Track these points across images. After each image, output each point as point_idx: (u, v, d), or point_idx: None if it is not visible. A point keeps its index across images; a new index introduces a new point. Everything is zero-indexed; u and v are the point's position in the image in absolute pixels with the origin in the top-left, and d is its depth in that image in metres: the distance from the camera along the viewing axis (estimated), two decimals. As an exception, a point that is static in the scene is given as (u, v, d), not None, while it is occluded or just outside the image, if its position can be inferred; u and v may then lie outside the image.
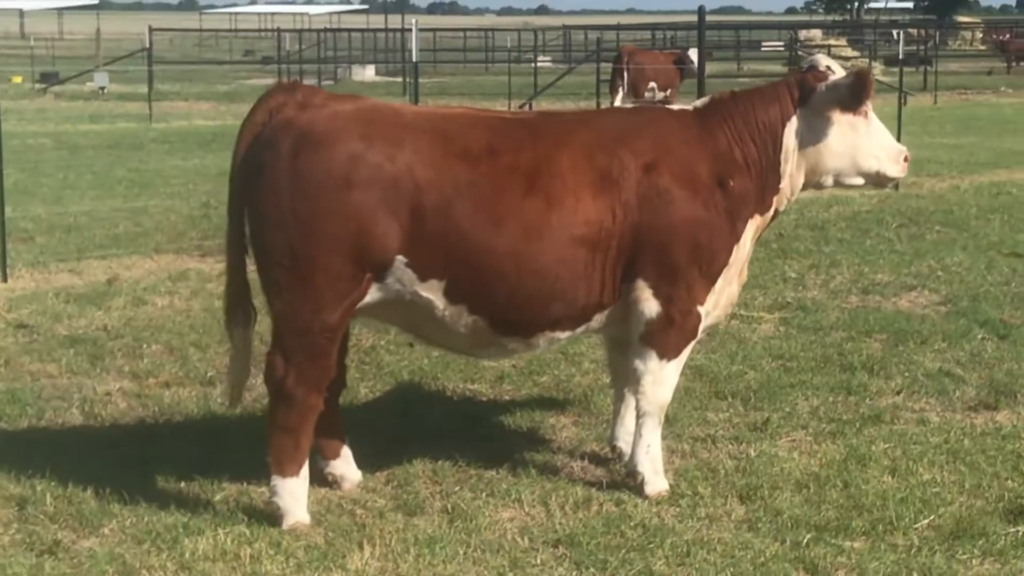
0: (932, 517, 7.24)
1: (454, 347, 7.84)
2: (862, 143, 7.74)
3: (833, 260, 14.40)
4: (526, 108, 41.06)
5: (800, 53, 55.23)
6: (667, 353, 7.64)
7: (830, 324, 11.53)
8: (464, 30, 79.68)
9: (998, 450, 8.31)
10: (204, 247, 15.53)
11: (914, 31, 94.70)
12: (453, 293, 7.31)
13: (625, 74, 33.41)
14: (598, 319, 7.65)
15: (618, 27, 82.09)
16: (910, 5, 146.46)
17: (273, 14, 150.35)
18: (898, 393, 9.59)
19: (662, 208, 7.45)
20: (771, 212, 7.84)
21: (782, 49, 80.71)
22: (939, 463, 8.09)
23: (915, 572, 6.62)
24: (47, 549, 6.99)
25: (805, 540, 6.95)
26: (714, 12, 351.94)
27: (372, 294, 7.26)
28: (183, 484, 7.86)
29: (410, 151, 7.17)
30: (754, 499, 7.59)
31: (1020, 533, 7.07)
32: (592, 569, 6.71)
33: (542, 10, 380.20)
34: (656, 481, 7.72)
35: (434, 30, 73.17)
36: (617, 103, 33.41)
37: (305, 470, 7.34)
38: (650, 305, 7.53)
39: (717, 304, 7.80)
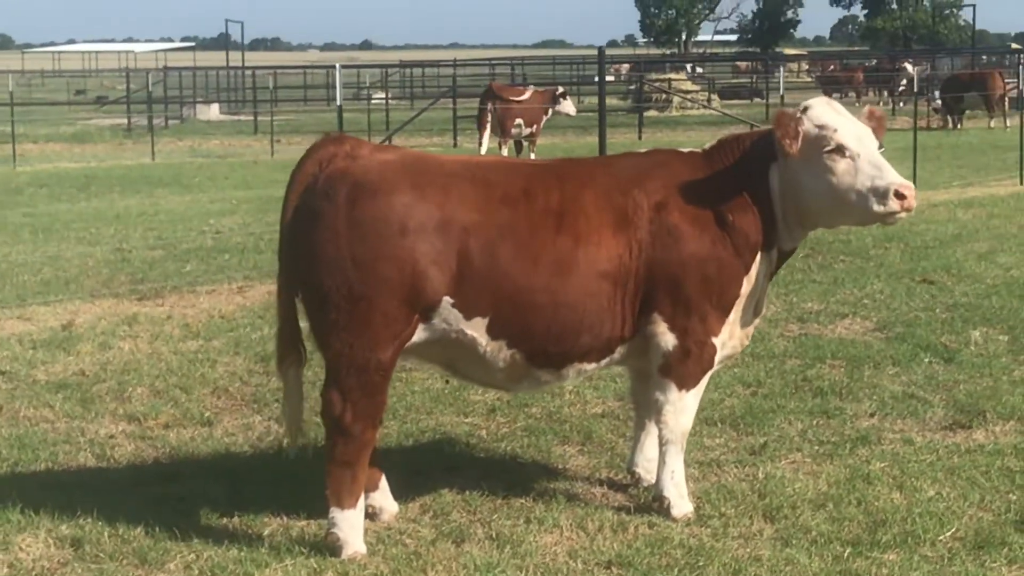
0: (954, 529, 7.77)
1: (490, 381, 8.23)
2: (842, 182, 7.82)
3: (759, 290, 14.94)
4: (387, 144, 41.37)
5: (645, 87, 56.24)
6: (686, 384, 8.09)
7: (781, 352, 12.09)
8: (304, 67, 79.56)
9: (989, 466, 8.86)
10: (140, 291, 15.64)
11: (743, 64, 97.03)
12: (495, 329, 7.73)
13: (491, 112, 33.92)
14: (620, 351, 8.09)
15: (455, 63, 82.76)
16: (734, 38, 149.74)
17: (97, 53, 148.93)
18: (872, 415, 10.14)
19: (672, 244, 7.92)
20: (775, 249, 8.29)
21: (612, 81, 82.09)
22: (939, 480, 8.63)
23: (953, 579, 7.16)
24: (121, 586, 7.25)
25: (845, 554, 7.44)
26: (537, 46, 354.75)
27: (419, 334, 7.65)
28: (225, 520, 8.11)
29: (456, 198, 7.61)
30: (778, 518, 8.04)
31: (1038, 542, 7.65)
32: (652, 587, 7.14)
33: (366, 45, 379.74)
34: (682, 504, 8.16)
35: (274, 68, 72.94)
36: (485, 139, 34.01)
37: (362, 502, 7.69)
38: (667, 338, 7.99)
39: (732, 335, 8.27)
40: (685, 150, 8.46)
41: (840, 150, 7.83)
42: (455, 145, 42.55)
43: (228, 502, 8.38)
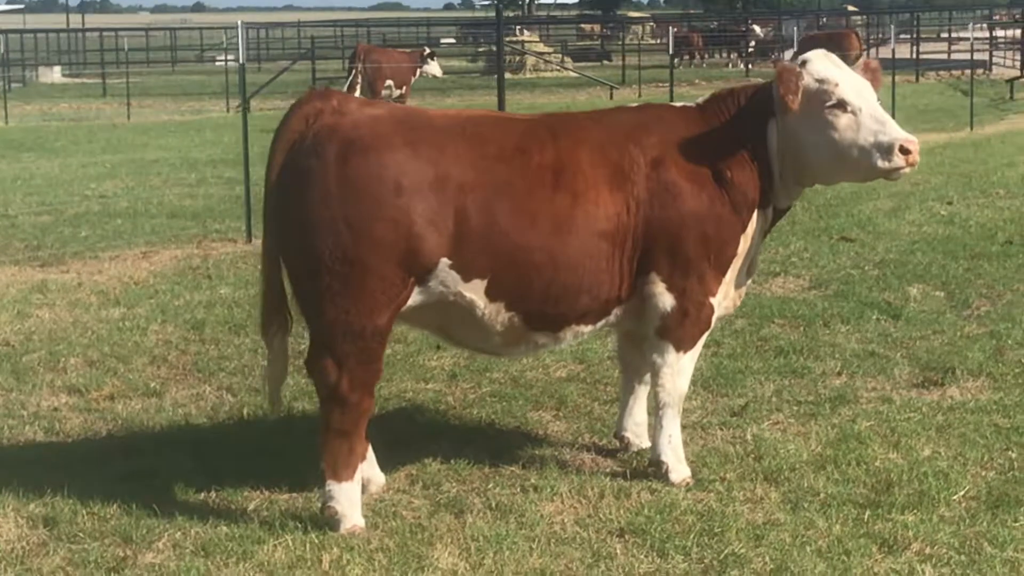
0: (965, 489, 7.60)
1: (485, 346, 7.86)
2: (844, 137, 7.59)
3: (684, 250, 14.77)
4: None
5: (507, 48, 55.94)
6: (683, 345, 7.83)
7: (726, 311, 11.88)
8: (146, 29, 78.29)
9: (978, 424, 8.74)
10: (40, 257, 15.03)
11: (588, 27, 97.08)
12: (493, 291, 7.38)
13: (361, 72, 33.44)
14: (617, 313, 7.80)
15: (299, 24, 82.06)
16: (574, 1, 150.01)
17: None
18: (839, 374, 9.99)
19: (670, 202, 7.63)
20: (771, 207, 8.03)
21: (455, 44, 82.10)
22: (932, 439, 8.47)
23: (983, 540, 6.95)
24: (114, 567, 6.84)
25: (864, 517, 7.23)
26: (373, 9, 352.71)
27: (415, 297, 7.29)
28: (203, 495, 7.73)
29: (451, 154, 7.24)
30: (781, 480, 7.82)
31: (1052, 499, 7.50)
32: (678, 556, 6.84)
33: (198, 7, 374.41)
34: (680, 469, 7.91)
35: (116, 30, 71.58)
36: (354, 101, 33.43)
37: (359, 474, 7.32)
38: (665, 299, 7.70)
39: (727, 295, 8.02)
40: (678, 104, 8.20)
41: (842, 104, 7.59)
42: (315, 107, 41.77)
43: (199, 476, 7.97)
